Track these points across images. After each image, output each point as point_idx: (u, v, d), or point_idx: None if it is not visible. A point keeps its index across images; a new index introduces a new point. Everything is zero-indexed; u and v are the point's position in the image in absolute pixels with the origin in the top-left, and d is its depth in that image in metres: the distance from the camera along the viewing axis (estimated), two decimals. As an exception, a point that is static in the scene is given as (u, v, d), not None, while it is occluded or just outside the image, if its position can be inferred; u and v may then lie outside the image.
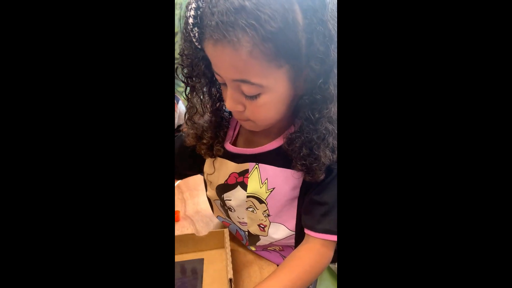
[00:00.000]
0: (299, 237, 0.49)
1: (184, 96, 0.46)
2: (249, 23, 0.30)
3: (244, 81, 0.36)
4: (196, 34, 0.35)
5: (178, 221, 0.70)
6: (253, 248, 0.59)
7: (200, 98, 0.45)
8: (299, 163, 0.42)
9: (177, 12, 1.27)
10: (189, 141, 0.49)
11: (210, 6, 0.32)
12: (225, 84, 0.39)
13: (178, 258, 0.57)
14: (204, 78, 0.42)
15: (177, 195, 0.80)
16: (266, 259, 0.58)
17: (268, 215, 0.49)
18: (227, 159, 0.49)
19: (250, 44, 0.32)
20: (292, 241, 0.52)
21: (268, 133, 0.47)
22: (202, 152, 0.50)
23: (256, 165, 0.47)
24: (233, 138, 0.51)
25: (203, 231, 0.66)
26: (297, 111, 0.42)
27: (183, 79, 0.44)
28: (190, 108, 0.46)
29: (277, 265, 0.56)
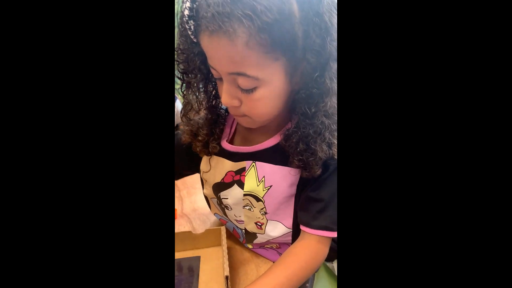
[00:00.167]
0: (296, 234, 0.49)
1: (181, 93, 0.45)
2: (245, 13, 0.30)
3: (240, 74, 0.35)
4: (192, 27, 0.35)
5: (175, 219, 0.70)
6: (250, 246, 0.59)
7: (196, 95, 0.45)
8: (296, 158, 0.42)
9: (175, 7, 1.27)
10: (185, 138, 0.49)
11: None
12: (220, 79, 0.39)
13: (175, 255, 0.57)
14: (200, 73, 0.42)
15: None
16: (263, 256, 0.58)
17: (265, 213, 0.49)
18: (223, 157, 0.49)
19: (246, 34, 0.31)
20: (289, 239, 0.52)
21: (265, 130, 0.46)
22: (198, 149, 0.49)
23: (253, 163, 0.46)
24: (230, 137, 0.50)
25: (200, 229, 0.66)
26: (294, 108, 0.42)
27: (178, 75, 0.44)
28: (185, 105, 0.46)
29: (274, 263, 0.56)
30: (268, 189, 0.46)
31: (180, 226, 0.68)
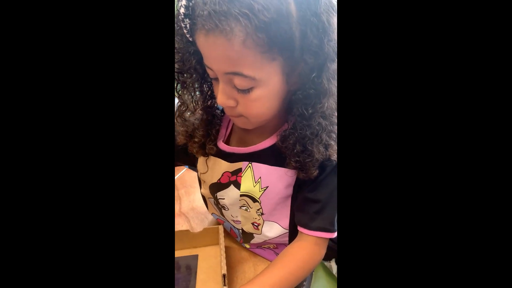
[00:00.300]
0: (293, 235, 0.49)
1: (176, 93, 0.45)
2: (242, 12, 0.30)
3: (236, 74, 0.35)
4: (188, 25, 0.34)
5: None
6: (247, 246, 0.59)
7: (191, 95, 0.44)
8: (293, 160, 0.42)
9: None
10: (180, 139, 0.49)
11: None
12: (216, 79, 0.38)
13: (174, 254, 0.57)
14: (196, 73, 0.42)
15: (172, 192, 0.80)
16: (261, 256, 0.59)
17: (262, 214, 0.49)
18: (220, 158, 0.49)
19: (243, 33, 0.31)
20: (286, 239, 0.52)
21: (261, 131, 0.46)
22: (194, 150, 0.49)
23: (249, 164, 0.46)
24: (226, 137, 0.50)
25: (198, 228, 0.66)
26: (290, 109, 0.41)
27: (175, 76, 0.44)
28: (180, 105, 0.46)
29: (271, 262, 0.56)
30: (265, 190, 0.46)
31: (178, 225, 0.68)
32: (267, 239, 0.53)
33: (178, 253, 0.57)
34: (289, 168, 0.44)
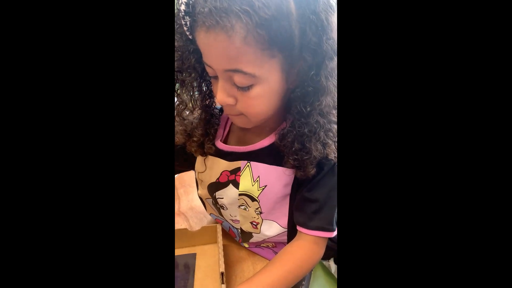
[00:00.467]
0: (292, 233, 0.49)
1: (175, 92, 0.45)
2: (243, 9, 0.30)
3: (236, 71, 0.35)
4: (188, 23, 0.34)
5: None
6: (246, 245, 0.59)
7: (190, 94, 0.44)
8: (291, 158, 0.42)
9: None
10: (178, 138, 0.49)
11: None
12: (215, 77, 0.38)
13: (174, 253, 0.57)
14: (195, 72, 0.42)
15: (171, 191, 0.80)
16: (259, 255, 0.59)
17: (261, 213, 0.49)
18: (218, 157, 0.49)
19: (244, 30, 0.31)
20: (284, 238, 0.52)
21: (260, 131, 0.46)
22: (193, 149, 0.49)
23: (248, 163, 0.46)
24: (224, 137, 0.50)
25: (197, 227, 0.66)
26: (289, 107, 0.42)
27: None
28: (179, 104, 0.46)
29: (270, 261, 0.56)
30: (263, 189, 0.46)
31: (177, 224, 0.68)
32: (266, 238, 0.53)
33: (176, 252, 0.57)
34: (287, 167, 0.44)
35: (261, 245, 0.57)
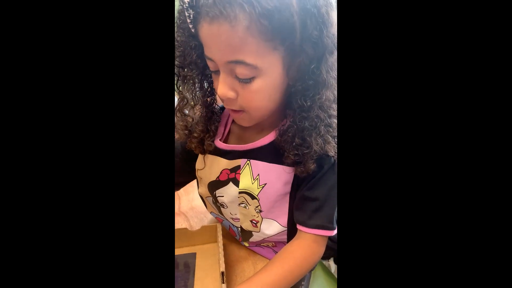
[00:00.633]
0: (291, 233, 0.49)
1: (176, 89, 0.45)
2: None
3: (239, 62, 0.35)
4: (191, 15, 0.35)
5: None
6: (246, 244, 0.59)
7: (191, 89, 0.45)
8: (291, 153, 0.42)
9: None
10: (179, 134, 0.49)
11: None
12: (217, 72, 0.39)
13: (174, 252, 0.57)
14: (196, 68, 0.42)
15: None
16: (260, 254, 0.59)
17: (260, 211, 0.49)
18: (218, 155, 0.49)
19: (247, 20, 0.32)
20: (284, 237, 0.52)
21: (259, 129, 0.46)
22: (193, 146, 0.49)
23: (248, 161, 0.46)
24: (224, 136, 0.51)
25: (197, 227, 0.66)
26: (289, 103, 0.42)
27: (175, 71, 0.44)
28: (180, 100, 0.46)
29: (270, 261, 0.56)
30: (263, 187, 0.46)
31: (177, 224, 0.68)
32: (266, 237, 0.53)
33: (176, 251, 0.57)
34: (287, 163, 0.44)
35: (261, 244, 0.57)
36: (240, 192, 0.48)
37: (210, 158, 0.50)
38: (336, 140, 0.42)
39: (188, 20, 0.36)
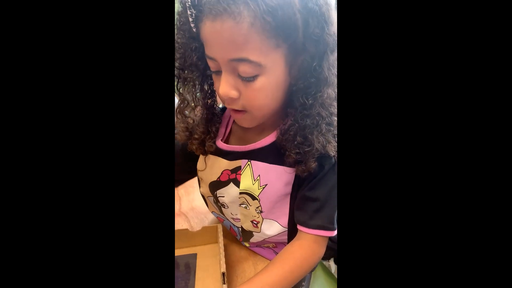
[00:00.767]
0: (292, 233, 0.49)
1: (176, 90, 0.46)
2: None
3: (242, 60, 0.35)
4: (193, 14, 0.35)
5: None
6: (247, 244, 0.59)
7: (192, 91, 0.45)
8: (293, 152, 0.42)
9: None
10: (180, 136, 0.49)
11: None
12: (218, 72, 0.39)
13: (174, 253, 0.57)
14: (196, 70, 0.42)
15: (172, 191, 0.80)
16: (260, 255, 0.59)
17: (261, 212, 0.49)
18: (219, 156, 0.49)
19: (251, 17, 0.32)
20: (284, 238, 0.52)
21: (260, 130, 0.47)
22: (194, 147, 0.49)
23: (249, 162, 0.47)
24: (225, 136, 0.51)
25: (197, 228, 0.66)
26: (291, 102, 0.42)
27: (175, 72, 0.44)
28: (181, 102, 0.46)
29: (271, 262, 0.56)
30: (264, 187, 0.46)
31: (178, 225, 0.68)
32: (266, 237, 0.53)
33: (176, 252, 0.57)
34: (288, 162, 0.44)
35: (262, 245, 0.57)
36: (240, 193, 0.48)
37: (211, 158, 0.50)
38: (336, 139, 0.42)
39: (190, 19, 0.36)
